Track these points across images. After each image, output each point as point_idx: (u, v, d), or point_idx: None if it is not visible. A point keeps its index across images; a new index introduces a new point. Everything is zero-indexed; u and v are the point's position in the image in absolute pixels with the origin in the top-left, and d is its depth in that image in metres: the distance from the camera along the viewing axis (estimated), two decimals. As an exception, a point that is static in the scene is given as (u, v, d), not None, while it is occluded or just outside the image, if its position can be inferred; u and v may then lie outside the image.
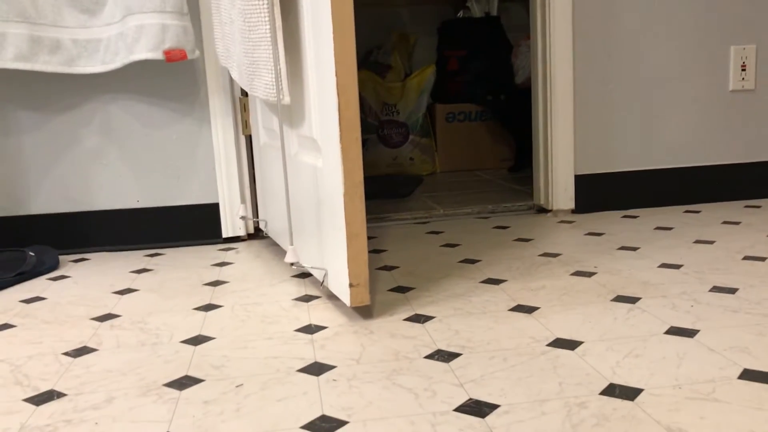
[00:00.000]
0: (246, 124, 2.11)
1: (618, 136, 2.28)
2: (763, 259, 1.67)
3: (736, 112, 2.31)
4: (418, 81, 3.11)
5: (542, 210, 2.33)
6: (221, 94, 2.07)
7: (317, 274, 1.56)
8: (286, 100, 1.48)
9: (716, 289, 1.48)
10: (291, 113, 1.60)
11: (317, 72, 1.40)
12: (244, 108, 2.10)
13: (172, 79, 2.07)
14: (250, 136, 2.11)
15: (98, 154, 2.09)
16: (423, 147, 3.16)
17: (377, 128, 3.14)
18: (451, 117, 3.15)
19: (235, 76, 1.79)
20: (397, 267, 1.78)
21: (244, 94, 2.09)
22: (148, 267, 1.91)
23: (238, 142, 2.12)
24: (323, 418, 1.01)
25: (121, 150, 2.09)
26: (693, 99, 2.29)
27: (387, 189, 2.73)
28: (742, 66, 2.27)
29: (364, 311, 1.45)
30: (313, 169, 1.49)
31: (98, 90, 2.05)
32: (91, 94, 2.05)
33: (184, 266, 1.90)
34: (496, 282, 1.61)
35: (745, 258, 1.69)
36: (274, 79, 1.47)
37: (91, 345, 1.35)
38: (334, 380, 1.14)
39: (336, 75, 1.28)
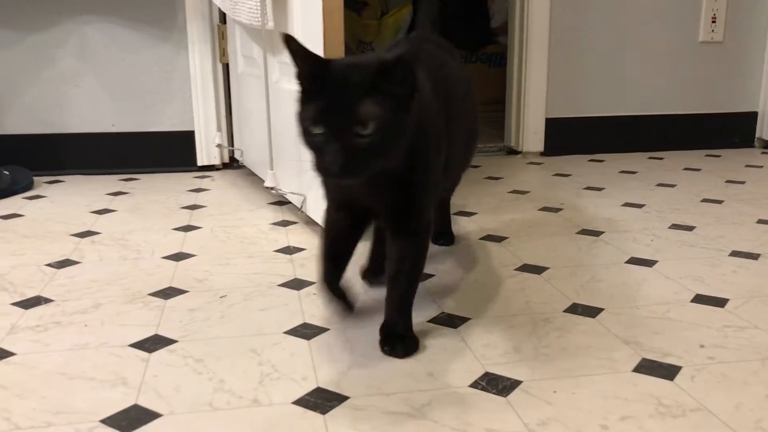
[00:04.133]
0: (224, 52, 2.10)
1: (589, 82, 2.33)
2: (720, 201, 1.76)
3: (704, 64, 2.38)
4: (395, 20, 3.10)
5: (512, 151, 2.38)
6: (199, 20, 2.05)
7: (296, 200, 1.60)
8: (270, 25, 1.50)
9: (675, 226, 1.56)
10: (273, 39, 1.61)
11: (303, -3, 1.41)
12: (222, 36, 2.09)
13: (149, 2, 2.05)
14: (227, 65, 2.11)
15: (73, 76, 2.07)
16: (397, 87, 3.17)
17: (352, 66, 3.14)
18: (425, 58, 3.15)
19: (216, 0, 1.78)
20: (372, 198, 1.82)
21: (223, 21, 2.08)
22: (124, 190, 1.92)
23: (216, 70, 2.11)
24: (305, 326, 1.07)
25: (97, 73, 2.08)
26: (664, 49, 2.35)
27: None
28: (713, 18, 2.33)
29: (341, 236, 1.50)
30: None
31: (73, 10, 2.02)
32: (66, 14, 2.02)
33: (160, 190, 1.92)
34: (467, 215, 1.67)
35: (704, 200, 1.77)
36: (258, 4, 1.47)
37: (73, 258, 1.38)
38: (314, 294, 1.19)
39: None
